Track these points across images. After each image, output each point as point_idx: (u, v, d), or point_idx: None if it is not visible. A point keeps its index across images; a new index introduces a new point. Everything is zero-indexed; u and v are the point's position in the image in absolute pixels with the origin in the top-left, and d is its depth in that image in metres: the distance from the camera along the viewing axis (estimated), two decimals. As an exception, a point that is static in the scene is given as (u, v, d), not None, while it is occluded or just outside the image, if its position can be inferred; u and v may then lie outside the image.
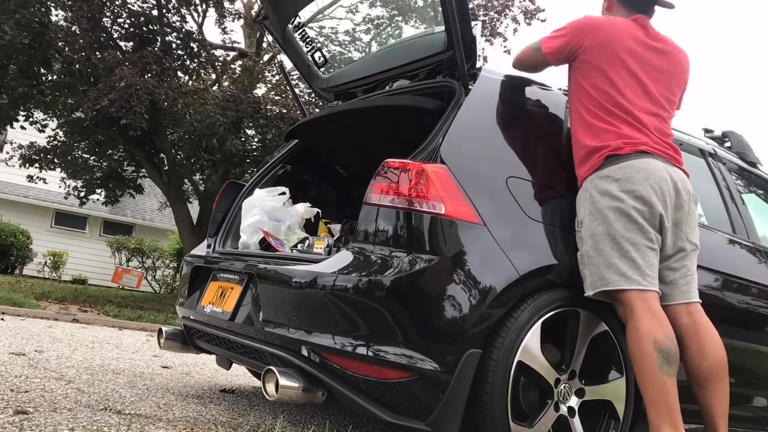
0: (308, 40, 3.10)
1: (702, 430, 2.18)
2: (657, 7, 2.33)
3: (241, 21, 11.99)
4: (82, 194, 11.98)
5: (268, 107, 9.40)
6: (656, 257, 2.06)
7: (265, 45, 11.34)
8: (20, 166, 11.43)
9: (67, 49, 9.22)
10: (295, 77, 9.22)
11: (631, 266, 2.00)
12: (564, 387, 2.02)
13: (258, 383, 3.51)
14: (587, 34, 2.20)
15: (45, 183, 11.85)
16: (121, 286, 15.08)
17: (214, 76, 11.55)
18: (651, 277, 2.02)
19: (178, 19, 9.96)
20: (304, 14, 3.04)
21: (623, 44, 2.18)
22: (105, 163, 11.68)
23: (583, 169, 2.18)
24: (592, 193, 2.10)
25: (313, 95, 9.56)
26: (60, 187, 12.33)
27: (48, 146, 11.12)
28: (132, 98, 8.19)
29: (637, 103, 2.16)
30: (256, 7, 11.57)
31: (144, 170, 11.50)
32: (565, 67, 2.31)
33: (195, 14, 10.53)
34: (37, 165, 11.24)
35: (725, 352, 2.11)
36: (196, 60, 10.24)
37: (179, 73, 9.92)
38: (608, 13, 2.38)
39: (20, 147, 11.34)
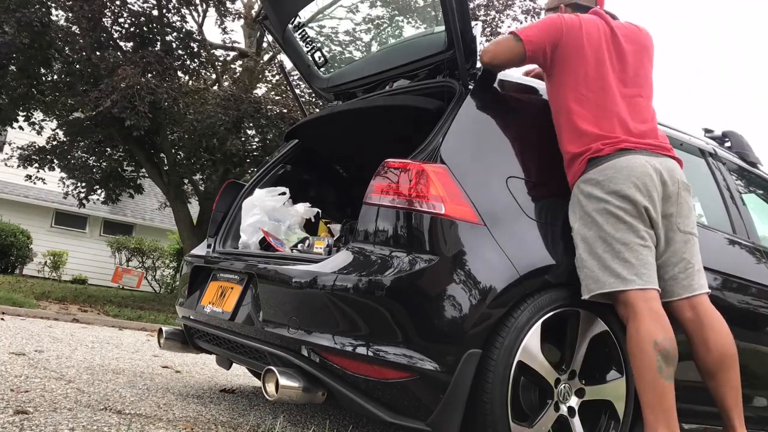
0: (308, 40, 3.10)
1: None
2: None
3: (242, 21, 11.99)
4: (82, 195, 11.98)
5: (268, 107, 9.39)
6: (651, 254, 2.05)
7: (265, 45, 11.34)
8: (18, 166, 11.43)
9: (67, 49, 9.22)
10: (295, 77, 9.22)
11: (625, 266, 1.99)
12: (564, 387, 2.02)
13: (258, 383, 3.51)
14: (562, 28, 2.20)
15: (44, 183, 11.86)
16: (121, 286, 15.08)
17: (214, 76, 11.55)
18: (647, 275, 2.01)
19: (179, 19, 9.96)
20: (304, 14, 3.03)
21: (596, 35, 2.21)
22: (105, 164, 11.68)
23: (570, 173, 2.20)
24: (580, 197, 2.11)
25: (313, 95, 9.56)
26: (59, 186, 12.33)
27: (47, 146, 11.12)
28: (134, 98, 8.19)
29: (617, 91, 2.17)
30: (256, 7, 11.57)
31: (144, 170, 11.50)
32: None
33: (195, 14, 10.53)
34: (36, 165, 11.24)
35: (732, 341, 2.10)
36: (196, 60, 10.23)
37: (179, 73, 9.92)
38: None
39: (20, 148, 11.35)
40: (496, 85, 2.30)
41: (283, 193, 2.83)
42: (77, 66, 9.32)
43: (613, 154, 2.09)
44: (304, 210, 2.83)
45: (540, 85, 2.46)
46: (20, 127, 10.64)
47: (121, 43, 9.88)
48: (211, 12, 10.50)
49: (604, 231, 2.02)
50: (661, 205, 2.09)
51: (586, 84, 2.17)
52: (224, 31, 10.76)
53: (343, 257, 2.00)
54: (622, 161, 2.07)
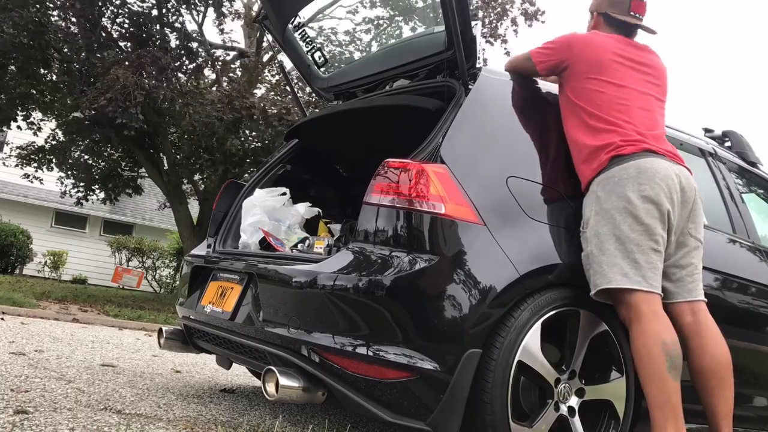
0: (308, 40, 3.10)
1: (704, 430, 2.18)
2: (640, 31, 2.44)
3: (241, 21, 11.99)
4: (80, 194, 11.97)
5: (266, 110, 9.32)
6: (660, 259, 2.07)
7: (265, 45, 11.33)
8: (16, 165, 11.43)
9: (66, 48, 9.20)
10: (295, 77, 9.20)
11: (633, 266, 2.00)
12: (564, 387, 2.02)
13: (258, 383, 3.51)
14: (575, 46, 2.29)
15: (41, 183, 11.84)
16: (121, 286, 15.07)
17: (214, 76, 11.54)
18: (652, 278, 2.02)
19: (178, 18, 9.95)
20: (304, 14, 3.04)
21: (610, 54, 2.27)
22: (104, 163, 11.67)
23: (588, 169, 2.19)
24: (599, 194, 2.11)
25: (312, 95, 9.55)
26: (57, 185, 12.33)
27: (46, 146, 11.12)
28: (128, 98, 8.18)
29: (630, 104, 2.21)
30: (256, 7, 11.56)
31: (144, 170, 11.49)
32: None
33: (195, 14, 10.52)
34: (34, 164, 11.23)
35: (728, 353, 2.11)
36: (195, 60, 10.22)
37: (179, 74, 9.91)
38: (594, 30, 2.47)
39: (18, 147, 11.35)
40: (496, 84, 2.30)
41: (284, 193, 2.83)
42: (75, 65, 9.31)
43: (638, 154, 2.11)
44: (304, 210, 2.83)
45: (540, 84, 2.47)
46: (18, 127, 10.64)
47: (122, 44, 9.87)
48: (211, 12, 10.50)
49: (620, 229, 2.04)
50: (679, 210, 2.12)
51: (600, 92, 2.21)
52: (222, 31, 10.76)
53: (343, 257, 1.99)
54: (646, 162, 2.09)
